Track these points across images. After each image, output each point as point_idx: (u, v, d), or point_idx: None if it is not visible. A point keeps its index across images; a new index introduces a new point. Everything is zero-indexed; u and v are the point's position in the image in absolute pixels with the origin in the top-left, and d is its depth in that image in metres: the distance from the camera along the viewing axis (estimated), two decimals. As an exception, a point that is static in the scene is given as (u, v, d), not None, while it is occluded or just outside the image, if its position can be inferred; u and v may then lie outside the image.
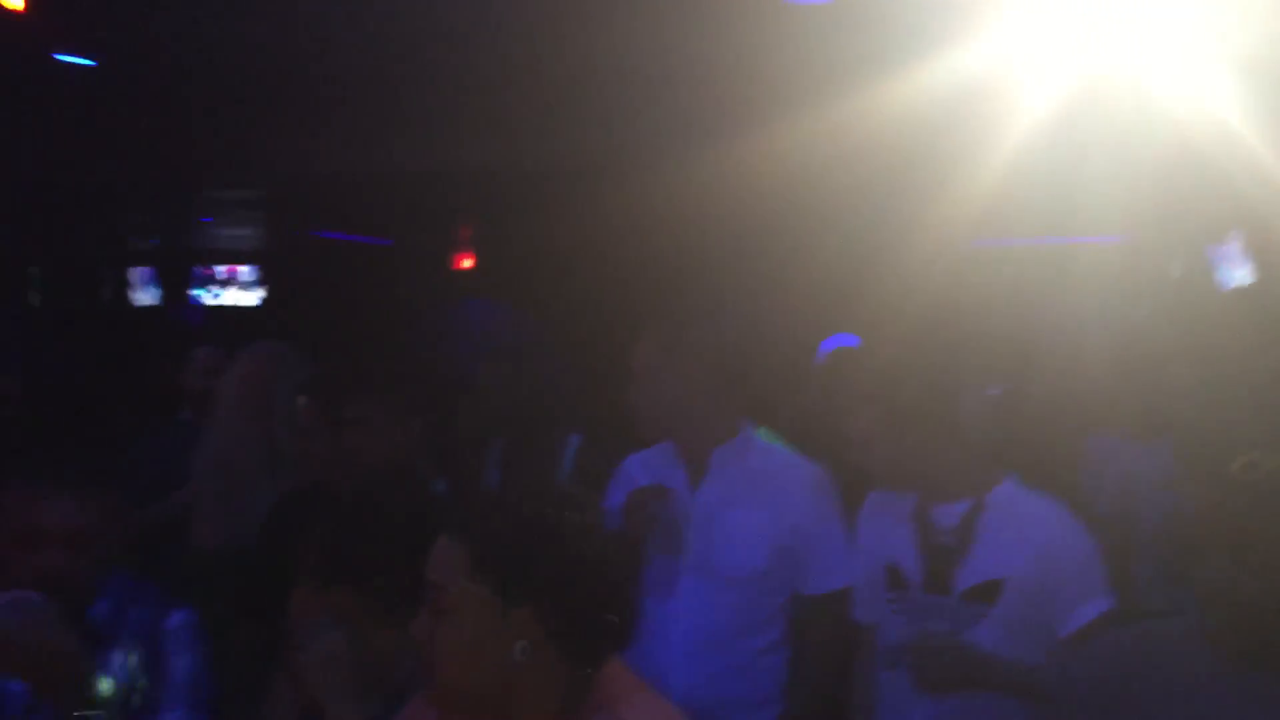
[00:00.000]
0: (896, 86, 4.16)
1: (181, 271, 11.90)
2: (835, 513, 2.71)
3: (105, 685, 2.11)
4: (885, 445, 2.42)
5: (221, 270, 11.89)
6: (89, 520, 2.13)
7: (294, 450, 3.37)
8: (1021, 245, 7.27)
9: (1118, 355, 4.91)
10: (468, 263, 9.98)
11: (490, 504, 1.71)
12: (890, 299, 5.29)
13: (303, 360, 3.73)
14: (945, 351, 2.46)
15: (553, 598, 1.58)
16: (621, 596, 1.64)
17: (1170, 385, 3.35)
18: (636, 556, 2.65)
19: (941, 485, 2.41)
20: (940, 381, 2.41)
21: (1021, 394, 3.92)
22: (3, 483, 2.17)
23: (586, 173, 6.50)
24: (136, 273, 11.92)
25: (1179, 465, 3.15)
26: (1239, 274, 5.90)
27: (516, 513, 1.64)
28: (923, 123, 4.55)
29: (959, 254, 6.61)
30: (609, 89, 5.10)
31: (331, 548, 2.04)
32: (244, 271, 11.89)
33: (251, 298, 11.82)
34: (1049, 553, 2.32)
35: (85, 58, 5.22)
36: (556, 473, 3.45)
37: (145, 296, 11.91)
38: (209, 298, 11.87)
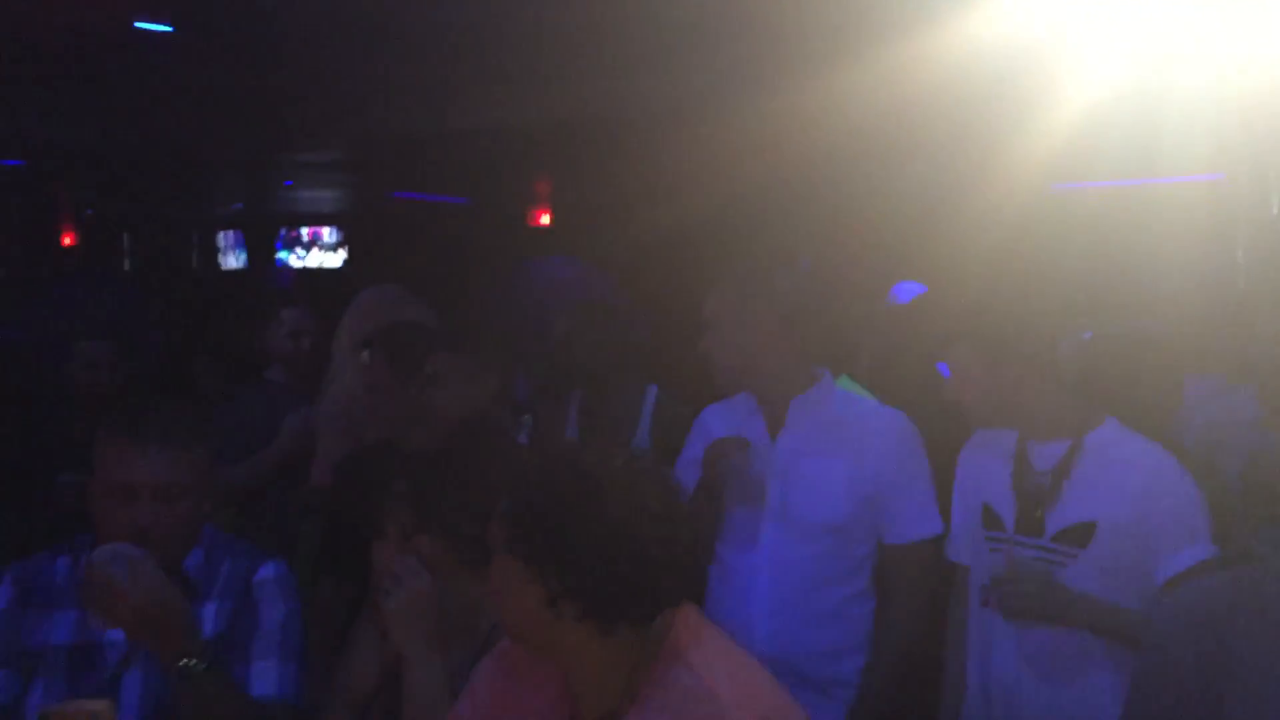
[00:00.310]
0: (976, 24, 4.05)
1: (267, 235, 12.11)
2: (920, 460, 2.69)
3: (201, 636, 2.15)
4: (981, 381, 2.40)
5: (305, 233, 12.08)
6: (181, 475, 2.18)
7: (361, 405, 3.38)
8: (1115, 186, 7.08)
9: (1212, 296, 4.78)
10: (545, 218, 10.00)
11: (520, 469, 1.72)
12: (978, 239, 5.21)
13: (420, 303, 3.72)
14: (1037, 287, 2.45)
15: (579, 563, 1.58)
16: (671, 555, 1.61)
17: (1261, 329, 3.27)
18: (696, 513, 2.65)
19: (1039, 424, 2.40)
20: (1033, 318, 2.40)
21: (1114, 336, 3.84)
22: (99, 439, 2.22)
23: (658, 121, 6.44)
24: (224, 237, 12.17)
25: (1266, 406, 3.09)
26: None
27: (544, 478, 1.64)
28: (1008, 61, 4.42)
29: (1046, 196, 6.46)
30: (677, 35, 5.04)
31: (418, 497, 2.07)
32: (326, 234, 12.06)
33: (335, 259, 12.00)
34: (1147, 496, 2.28)
35: (164, 24, 5.28)
36: (635, 424, 3.46)
37: (233, 260, 12.16)
38: (294, 260, 12.07)
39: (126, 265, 11.74)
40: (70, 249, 10.78)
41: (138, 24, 5.20)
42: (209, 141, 8.04)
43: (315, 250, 12.07)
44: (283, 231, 12.10)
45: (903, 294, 4.57)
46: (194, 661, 2.05)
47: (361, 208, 11.78)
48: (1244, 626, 1.66)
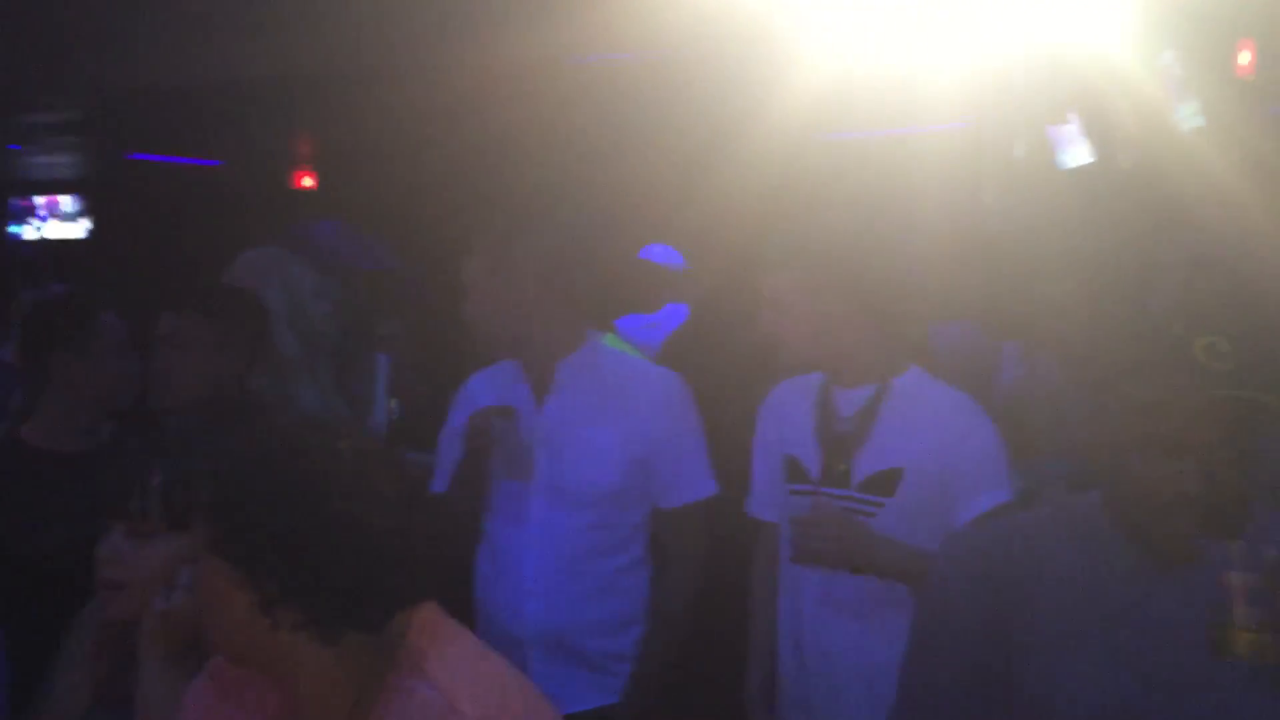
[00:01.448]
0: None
1: (-3, 205, 11.17)
2: (691, 420, 2.63)
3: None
4: (800, 311, 2.35)
5: (41, 201, 11.18)
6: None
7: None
8: (866, 137, 7.27)
9: (964, 241, 4.95)
10: (307, 180, 9.55)
11: (228, 455, 1.49)
12: (746, 189, 5.22)
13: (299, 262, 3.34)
14: (852, 222, 2.39)
15: (296, 563, 1.38)
16: (406, 548, 1.43)
17: (1042, 294, 3.34)
18: (455, 495, 2.54)
19: (849, 366, 2.36)
20: (854, 249, 2.34)
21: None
22: None
23: (419, 70, 6.19)
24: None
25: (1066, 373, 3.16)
26: (1077, 154, 6.00)
27: (254, 465, 1.43)
28: (767, 15, 4.42)
29: (812, 145, 6.57)
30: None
31: (170, 488, 1.81)
32: (65, 202, 11.19)
33: (78, 230, 11.16)
34: (950, 441, 2.28)
35: None
36: (373, 393, 3.30)
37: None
38: (30, 232, 11.17)
39: None
40: None
41: None
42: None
43: (54, 220, 11.19)
44: (13, 202, 11.16)
45: (655, 257, 4.55)
46: None
47: (102, 173, 10.96)
48: (1020, 573, 1.68)
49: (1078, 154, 5.98)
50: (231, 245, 3.25)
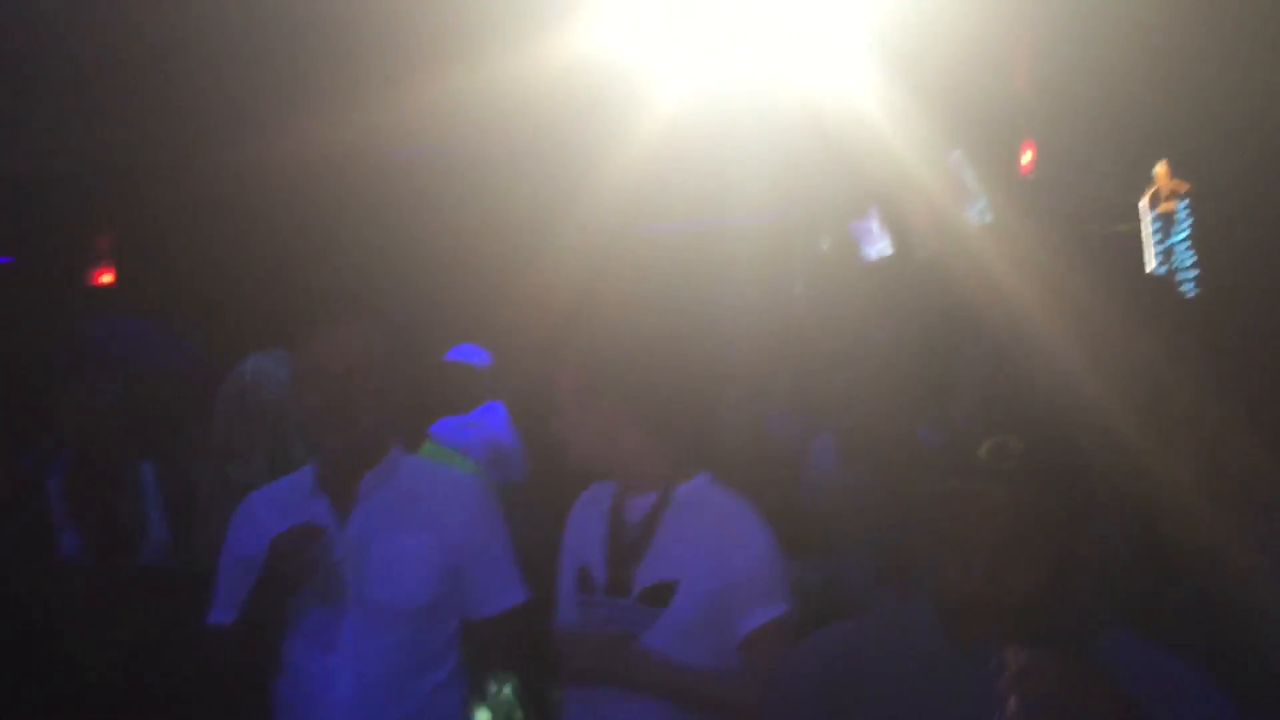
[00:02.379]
0: (530, 64, 4.05)
1: None
2: (498, 525, 2.53)
3: None
4: (577, 418, 2.31)
5: None
6: None
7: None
8: (680, 230, 7.42)
9: (777, 331, 5.07)
10: (107, 276, 9.12)
11: None
12: (564, 281, 5.23)
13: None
14: (632, 326, 2.38)
15: None
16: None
17: (834, 380, 3.41)
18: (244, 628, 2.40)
19: (632, 473, 2.32)
20: (630, 356, 2.32)
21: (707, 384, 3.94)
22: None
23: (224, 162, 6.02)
24: None
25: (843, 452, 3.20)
26: (878, 247, 6.26)
27: None
28: (563, 106, 4.48)
29: (628, 237, 6.65)
30: (231, 66, 4.72)
31: None
32: None
33: None
34: (726, 552, 2.24)
35: None
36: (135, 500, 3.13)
37: None
38: None
39: None
40: None
41: None
42: None
43: None
44: None
45: (462, 356, 4.51)
46: None
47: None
48: (862, 685, 1.65)
49: (878, 247, 6.26)
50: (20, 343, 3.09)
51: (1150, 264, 5.72)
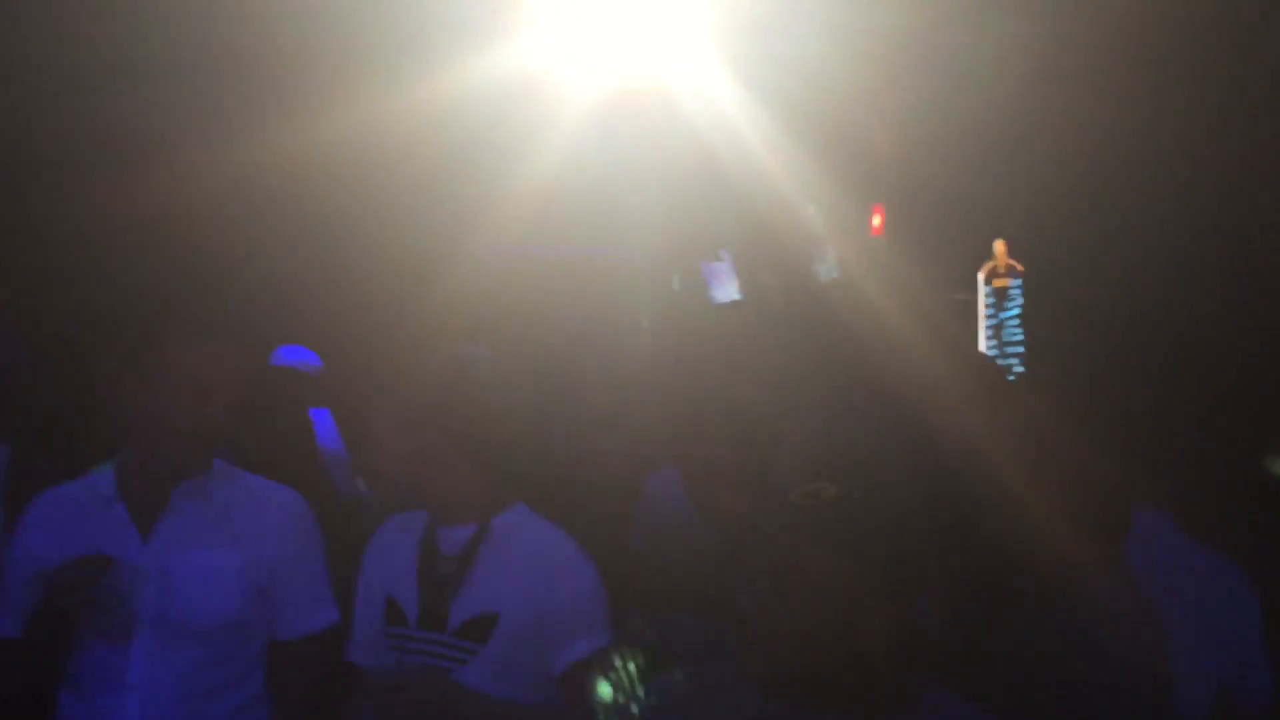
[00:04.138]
0: (410, 93, 4.02)
1: None
2: (315, 543, 2.43)
3: None
4: (391, 447, 2.23)
5: None
6: None
7: None
8: (538, 254, 7.40)
9: (627, 364, 5.10)
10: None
11: None
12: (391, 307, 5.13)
13: None
14: (461, 356, 2.32)
15: None
16: None
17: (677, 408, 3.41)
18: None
19: (448, 504, 2.24)
20: (434, 388, 2.24)
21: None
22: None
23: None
24: None
25: (695, 495, 3.18)
26: (727, 290, 6.38)
27: None
28: (434, 131, 4.44)
29: (480, 259, 6.59)
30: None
31: None
32: None
33: None
34: (546, 584, 2.20)
35: None
36: None
37: None
38: None
39: None
40: None
41: None
42: None
43: None
44: None
45: (282, 359, 4.36)
46: None
47: None
48: None
49: (728, 291, 6.37)
50: None
51: (983, 334, 5.99)
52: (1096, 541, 2.13)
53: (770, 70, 4.57)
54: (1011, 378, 5.70)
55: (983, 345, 5.95)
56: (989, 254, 6.01)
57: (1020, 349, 5.83)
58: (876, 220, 6.05)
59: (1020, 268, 5.87)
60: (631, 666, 1.95)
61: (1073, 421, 2.59)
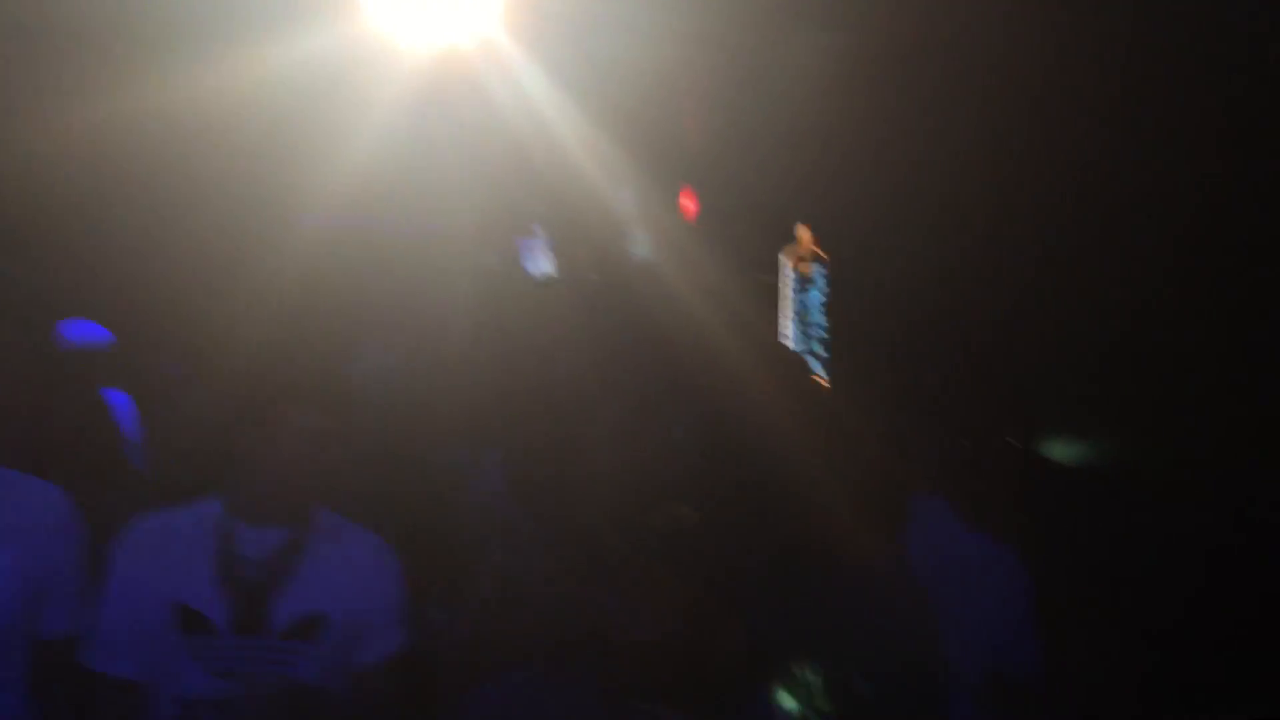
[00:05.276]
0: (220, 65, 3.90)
1: None
2: (78, 544, 2.29)
3: None
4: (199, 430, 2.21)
5: None
6: None
7: None
8: (348, 227, 7.24)
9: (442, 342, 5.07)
10: None
11: None
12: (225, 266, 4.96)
13: None
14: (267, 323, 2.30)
15: None
16: None
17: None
18: None
19: (257, 498, 2.21)
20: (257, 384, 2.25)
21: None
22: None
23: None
24: None
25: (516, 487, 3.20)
26: (542, 267, 6.41)
27: None
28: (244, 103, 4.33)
29: (299, 228, 6.41)
30: None
31: None
32: None
33: None
34: (361, 585, 2.23)
35: None
36: None
37: None
38: None
39: None
40: None
41: None
42: None
43: None
44: None
45: (76, 334, 4.17)
46: None
47: None
48: None
49: (543, 266, 6.40)
50: None
51: (786, 319, 6.22)
52: (880, 531, 2.30)
53: (578, 60, 4.63)
54: (813, 361, 5.96)
55: (786, 329, 6.18)
56: (793, 239, 6.23)
57: (822, 334, 6.08)
58: (687, 203, 6.19)
59: (824, 254, 6.11)
60: (813, 679, 1.99)
61: (864, 411, 2.76)
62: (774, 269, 6.29)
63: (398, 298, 5.50)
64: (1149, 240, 3.88)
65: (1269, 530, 2.82)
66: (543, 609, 2.18)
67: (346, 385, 2.40)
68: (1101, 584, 3.31)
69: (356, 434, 2.42)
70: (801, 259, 6.18)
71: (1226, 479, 3.45)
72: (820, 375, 5.75)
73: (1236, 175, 3.59)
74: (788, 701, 2.02)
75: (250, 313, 3.63)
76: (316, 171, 4.86)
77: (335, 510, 2.32)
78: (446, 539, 2.84)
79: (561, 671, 1.74)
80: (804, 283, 6.17)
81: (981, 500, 2.81)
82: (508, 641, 2.26)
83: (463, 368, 4.34)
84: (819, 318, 6.08)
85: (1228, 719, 2.43)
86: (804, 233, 6.15)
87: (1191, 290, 3.76)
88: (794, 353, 5.58)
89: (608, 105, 4.83)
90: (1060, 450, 4.44)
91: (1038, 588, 2.71)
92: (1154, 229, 3.83)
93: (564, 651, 1.74)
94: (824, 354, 6.05)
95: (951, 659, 2.19)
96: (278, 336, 3.57)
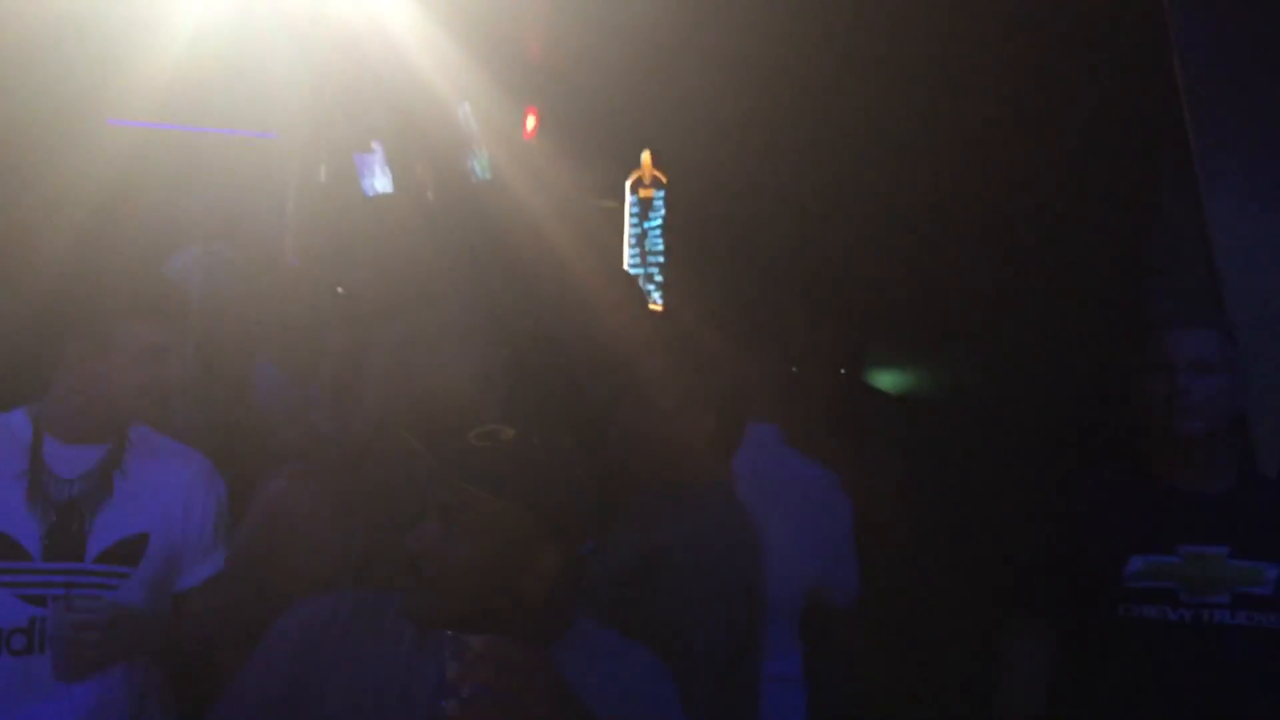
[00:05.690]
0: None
1: None
2: None
3: None
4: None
5: None
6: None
7: None
8: (166, 130, 6.87)
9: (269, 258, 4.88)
10: None
11: None
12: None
13: None
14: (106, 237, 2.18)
15: None
16: None
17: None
18: None
19: (71, 422, 2.09)
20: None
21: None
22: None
23: None
24: None
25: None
26: (379, 184, 6.21)
27: None
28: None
29: (102, 131, 6.04)
30: None
31: None
32: None
33: None
34: (182, 506, 2.15)
35: None
36: None
37: None
38: None
39: None
40: None
41: None
42: None
43: None
44: None
45: None
46: None
47: None
48: (328, 658, 1.60)
49: (379, 184, 6.19)
50: None
51: (626, 244, 6.20)
52: (714, 456, 2.30)
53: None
54: (650, 287, 5.97)
55: (626, 253, 6.16)
56: (637, 164, 6.19)
57: (660, 259, 6.08)
58: (530, 123, 6.06)
59: (664, 179, 6.09)
60: None
61: (697, 338, 2.75)
62: (616, 194, 6.25)
63: (222, 206, 5.25)
64: (982, 181, 3.99)
65: (1083, 456, 2.95)
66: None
67: (186, 298, 2.27)
68: (921, 508, 3.43)
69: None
70: (643, 184, 6.16)
71: (1044, 407, 3.61)
72: (656, 301, 5.76)
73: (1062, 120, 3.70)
74: None
75: (52, 219, 3.40)
76: (123, 71, 4.57)
77: (155, 428, 2.22)
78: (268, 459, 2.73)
79: (374, 594, 1.69)
80: (645, 208, 6.15)
81: (810, 426, 2.85)
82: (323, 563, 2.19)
83: (298, 282, 4.20)
84: (658, 243, 6.08)
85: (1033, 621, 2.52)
86: (646, 157, 6.12)
87: (1018, 232, 3.88)
88: (632, 276, 5.57)
89: (449, 12, 4.68)
90: (889, 380, 4.57)
91: (858, 511, 2.78)
92: (990, 171, 3.93)
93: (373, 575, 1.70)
94: (660, 279, 6.06)
95: (772, 576, 2.22)
96: (87, 244, 3.36)
